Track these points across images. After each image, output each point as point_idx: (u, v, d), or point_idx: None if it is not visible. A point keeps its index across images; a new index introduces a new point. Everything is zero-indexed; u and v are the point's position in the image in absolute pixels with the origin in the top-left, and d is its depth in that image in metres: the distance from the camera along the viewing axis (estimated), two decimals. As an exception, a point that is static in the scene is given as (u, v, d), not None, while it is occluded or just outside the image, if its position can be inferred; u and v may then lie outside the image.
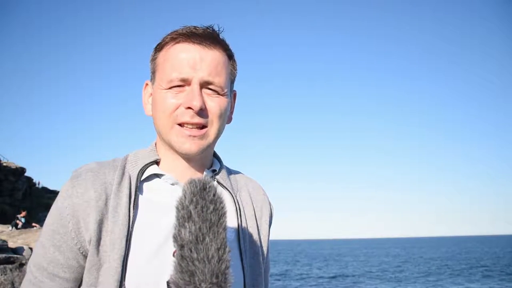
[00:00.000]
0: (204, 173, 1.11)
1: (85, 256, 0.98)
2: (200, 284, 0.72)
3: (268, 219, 1.21)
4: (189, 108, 1.00)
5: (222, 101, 1.05)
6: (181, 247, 0.74)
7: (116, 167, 1.05)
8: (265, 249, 1.17)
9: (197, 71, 1.01)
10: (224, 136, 1.13)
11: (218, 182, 1.13)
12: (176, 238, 0.75)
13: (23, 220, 17.77)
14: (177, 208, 0.77)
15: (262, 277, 1.12)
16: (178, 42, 1.04)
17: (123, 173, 1.04)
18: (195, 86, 1.01)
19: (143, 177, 1.05)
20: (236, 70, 1.13)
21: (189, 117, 1.01)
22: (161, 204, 1.03)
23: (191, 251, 0.73)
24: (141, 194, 1.04)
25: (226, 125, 1.13)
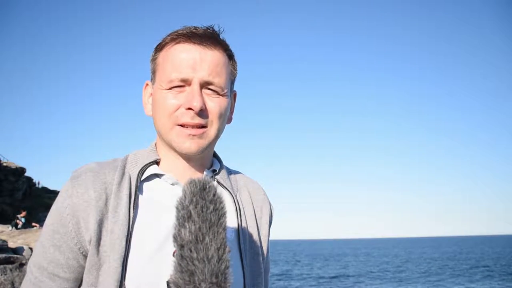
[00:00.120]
0: (204, 173, 1.12)
1: (85, 256, 0.98)
2: (200, 284, 0.72)
3: (268, 219, 1.21)
4: (190, 109, 1.01)
5: (222, 102, 1.06)
6: (181, 247, 0.74)
7: (116, 167, 1.05)
8: (265, 249, 1.17)
9: (197, 72, 1.01)
10: (224, 136, 1.13)
11: (218, 182, 1.13)
12: (176, 238, 0.75)
13: (23, 220, 17.77)
14: (177, 208, 0.77)
15: (262, 277, 1.12)
16: (178, 43, 1.05)
17: (123, 173, 1.04)
18: (195, 86, 1.01)
19: (143, 177, 1.05)
20: (236, 70, 1.13)
21: (190, 118, 1.01)
22: (161, 204, 1.03)
23: (191, 251, 0.73)
24: (141, 194, 1.04)
25: (226, 125, 1.13)
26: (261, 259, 1.13)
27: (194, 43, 1.03)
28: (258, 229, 1.16)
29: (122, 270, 0.94)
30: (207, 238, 0.74)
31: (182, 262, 0.73)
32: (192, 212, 0.75)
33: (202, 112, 1.02)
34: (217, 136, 1.08)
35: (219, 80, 1.04)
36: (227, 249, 0.75)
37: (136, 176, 1.04)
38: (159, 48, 1.08)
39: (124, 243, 0.95)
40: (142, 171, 1.05)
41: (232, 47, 1.11)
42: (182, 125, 1.02)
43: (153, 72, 1.10)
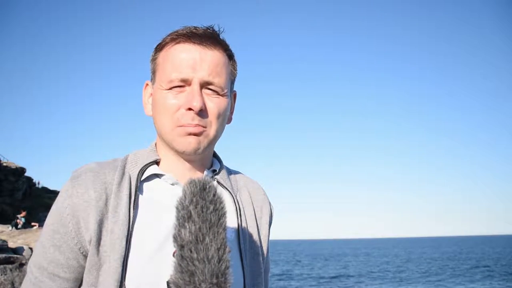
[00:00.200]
0: (204, 173, 1.11)
1: (85, 256, 0.98)
2: (200, 284, 0.72)
3: (268, 219, 1.21)
4: (190, 109, 1.00)
5: (222, 102, 1.05)
6: (181, 247, 0.74)
7: (116, 167, 1.05)
8: (265, 249, 1.17)
9: (197, 72, 1.01)
10: (224, 136, 1.13)
11: (218, 182, 1.13)
12: (176, 238, 0.75)
13: (23, 220, 17.78)
14: (177, 208, 0.77)
15: (262, 277, 1.12)
16: (178, 43, 1.04)
17: (123, 173, 1.04)
18: (195, 86, 1.01)
19: (143, 177, 1.05)
20: (236, 70, 1.13)
21: (190, 119, 1.01)
22: (161, 204, 1.03)
23: (191, 251, 0.73)
24: (141, 194, 1.04)
25: (226, 125, 1.13)
26: (261, 259, 1.13)
27: (194, 43, 1.03)
28: (258, 229, 1.16)
29: (122, 270, 0.94)
30: (207, 239, 0.74)
31: (182, 262, 0.73)
32: (192, 212, 0.75)
33: (202, 112, 1.02)
34: (217, 136, 1.08)
35: (219, 80, 1.04)
36: (227, 249, 0.75)
37: (136, 176, 1.03)
38: (159, 48, 1.08)
39: (124, 243, 0.95)
40: (142, 171, 1.05)
41: (232, 47, 1.11)
42: (182, 126, 1.02)
43: (153, 72, 1.10)
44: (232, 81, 1.12)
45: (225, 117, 1.09)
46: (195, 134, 1.02)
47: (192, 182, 0.78)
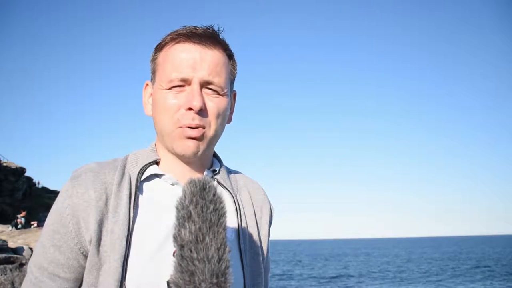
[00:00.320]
0: (204, 173, 1.11)
1: (86, 256, 0.98)
2: (200, 284, 0.72)
3: (268, 219, 1.21)
4: (190, 109, 1.00)
5: (222, 101, 1.05)
6: (181, 247, 0.74)
7: (116, 167, 1.05)
8: (265, 249, 1.17)
9: (197, 71, 1.01)
10: (224, 136, 1.13)
11: (218, 182, 1.13)
12: (176, 238, 0.75)
13: (24, 220, 17.78)
14: (177, 208, 0.77)
15: (262, 277, 1.12)
16: (178, 42, 1.04)
17: (123, 173, 1.03)
18: (195, 86, 1.01)
19: (143, 177, 1.05)
20: (236, 70, 1.13)
21: (191, 119, 1.01)
22: (161, 204, 1.03)
23: (191, 251, 0.73)
24: (141, 194, 1.04)
25: (226, 125, 1.13)
26: (261, 259, 1.13)
27: (194, 42, 1.03)
28: (258, 229, 1.16)
29: (123, 270, 0.94)
30: (207, 238, 0.74)
31: (182, 262, 0.73)
32: (192, 212, 0.75)
33: (202, 112, 1.02)
34: (217, 136, 1.08)
35: (219, 79, 1.04)
36: (227, 249, 0.75)
37: (136, 176, 1.03)
38: (159, 48, 1.08)
39: (124, 243, 0.95)
40: (142, 171, 1.05)
41: (232, 47, 1.11)
42: (182, 127, 1.02)
43: (153, 72, 1.10)
44: (232, 81, 1.12)
45: (225, 117, 1.09)
46: (194, 138, 1.02)
47: (192, 182, 0.78)
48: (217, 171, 1.15)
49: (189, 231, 0.74)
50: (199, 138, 1.03)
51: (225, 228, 0.77)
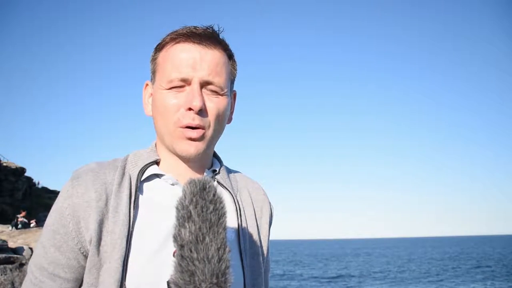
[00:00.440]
0: (204, 173, 1.11)
1: (86, 256, 0.98)
2: (200, 284, 0.72)
3: (268, 219, 1.21)
4: (190, 109, 1.00)
5: (222, 101, 1.05)
6: (181, 247, 0.74)
7: (117, 167, 1.05)
8: (265, 249, 1.17)
9: (197, 71, 1.01)
10: (224, 136, 1.13)
11: (218, 182, 1.13)
12: (176, 238, 0.75)
13: (24, 220, 17.79)
14: (177, 208, 0.77)
15: (262, 277, 1.12)
16: (178, 42, 1.04)
17: (123, 173, 1.04)
18: (195, 86, 1.01)
19: (143, 177, 1.05)
20: (236, 70, 1.13)
21: (191, 119, 1.01)
22: (161, 204, 1.03)
23: (191, 251, 0.73)
24: (141, 194, 1.04)
25: (226, 125, 1.12)
26: (261, 259, 1.13)
27: (194, 42, 1.03)
28: (258, 229, 1.16)
29: (123, 270, 0.94)
30: (207, 238, 0.74)
31: (182, 262, 0.73)
32: (192, 212, 0.75)
33: (202, 112, 1.02)
34: (217, 137, 1.08)
35: (219, 79, 1.04)
36: (227, 249, 0.75)
37: (136, 176, 1.03)
38: (159, 48, 1.08)
39: (124, 243, 0.95)
40: (142, 171, 1.05)
41: (232, 47, 1.11)
42: (182, 128, 1.02)
43: (153, 72, 1.10)
44: (232, 81, 1.12)
45: (225, 117, 1.09)
46: (194, 139, 1.02)
47: (192, 182, 0.78)
48: (217, 171, 1.15)
49: (189, 231, 0.74)
50: (199, 139, 1.03)
51: (225, 228, 0.77)
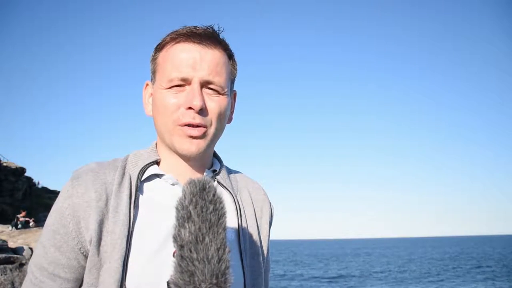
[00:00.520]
0: (205, 173, 1.11)
1: (86, 256, 0.98)
2: (200, 284, 0.72)
3: (268, 219, 1.21)
4: (190, 108, 1.00)
5: (222, 101, 1.05)
6: (181, 247, 0.74)
7: (117, 167, 1.05)
8: (265, 249, 1.17)
9: (197, 71, 1.01)
10: (224, 136, 1.13)
11: (218, 182, 1.13)
12: (176, 238, 0.75)
13: (24, 220, 17.80)
14: (176, 208, 0.77)
15: (262, 278, 1.12)
16: (178, 42, 1.04)
17: (123, 173, 1.04)
18: (195, 85, 1.01)
19: (143, 177, 1.05)
20: (236, 70, 1.13)
21: (191, 118, 1.01)
22: (162, 204, 1.03)
23: (191, 251, 0.73)
24: (142, 194, 1.04)
25: (227, 125, 1.12)
26: (261, 259, 1.13)
27: (194, 42, 1.03)
28: (258, 229, 1.16)
29: (123, 270, 0.94)
30: (207, 239, 0.74)
31: (182, 262, 0.73)
32: (192, 212, 0.75)
33: (203, 111, 1.02)
34: (217, 136, 1.08)
35: (219, 79, 1.04)
36: (227, 249, 0.75)
37: (136, 176, 1.03)
38: (159, 48, 1.08)
39: (124, 243, 0.95)
40: (143, 171, 1.05)
41: (232, 47, 1.11)
42: (182, 126, 1.02)
43: (153, 72, 1.10)
44: (232, 81, 1.12)
45: (226, 117, 1.09)
46: (195, 137, 1.02)
47: (191, 182, 0.78)
48: (217, 171, 1.15)
49: (189, 231, 0.74)
50: (200, 137, 1.03)
51: (225, 229, 0.77)
